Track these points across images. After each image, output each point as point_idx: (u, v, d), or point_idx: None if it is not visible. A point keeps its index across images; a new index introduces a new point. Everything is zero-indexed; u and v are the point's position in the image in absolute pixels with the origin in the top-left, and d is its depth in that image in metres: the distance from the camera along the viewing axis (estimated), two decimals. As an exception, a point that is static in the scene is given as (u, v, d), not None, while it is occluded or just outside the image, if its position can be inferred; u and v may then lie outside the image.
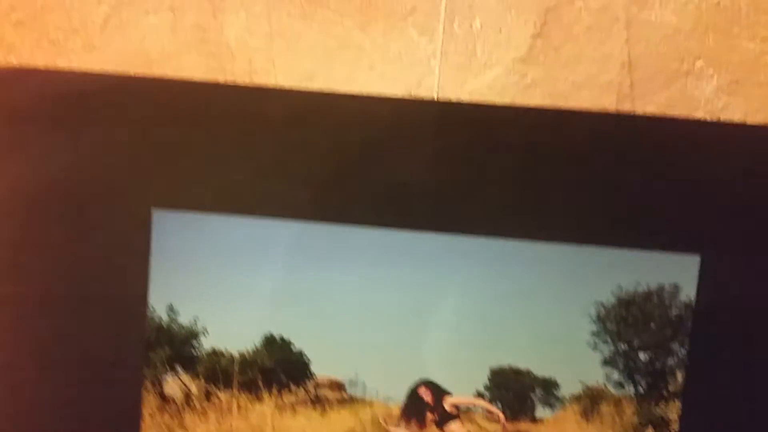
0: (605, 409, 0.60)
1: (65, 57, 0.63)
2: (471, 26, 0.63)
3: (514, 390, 0.60)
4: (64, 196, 0.61)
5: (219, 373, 0.61)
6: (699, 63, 0.63)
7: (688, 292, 0.59)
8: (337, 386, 0.61)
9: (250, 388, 0.61)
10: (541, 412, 0.61)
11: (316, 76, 0.64)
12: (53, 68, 0.63)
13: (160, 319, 0.61)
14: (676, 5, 0.63)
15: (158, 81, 0.60)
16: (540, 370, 0.60)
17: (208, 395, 0.62)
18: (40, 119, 0.60)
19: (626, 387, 0.60)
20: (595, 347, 0.60)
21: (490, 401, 0.61)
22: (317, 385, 0.61)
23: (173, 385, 0.62)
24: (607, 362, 0.60)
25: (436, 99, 0.62)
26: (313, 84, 0.64)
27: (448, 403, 0.61)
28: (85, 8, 0.63)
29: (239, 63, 0.63)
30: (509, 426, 0.61)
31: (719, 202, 0.59)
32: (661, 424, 0.60)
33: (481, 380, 0.60)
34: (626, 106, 0.64)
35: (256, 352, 0.61)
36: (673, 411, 0.60)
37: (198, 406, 0.62)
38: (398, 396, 0.61)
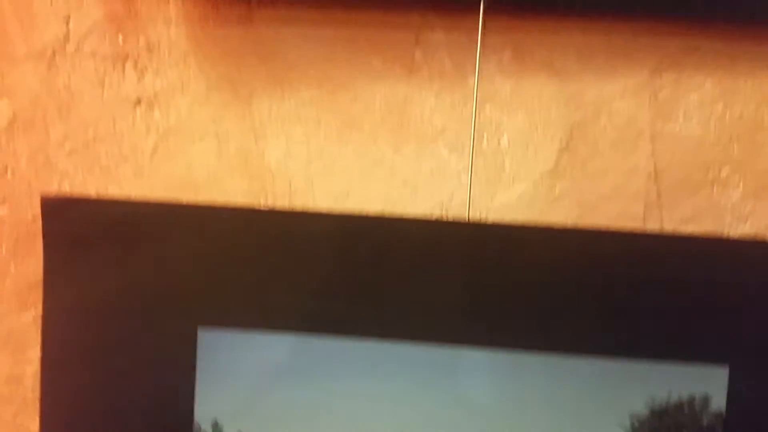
0: None
1: (116, 183, 0.67)
2: (499, 143, 0.66)
3: (552, 503, 0.61)
4: (113, 317, 0.63)
5: (263, 487, 0.63)
6: (725, 171, 0.65)
7: (719, 402, 0.60)
8: (378, 500, 0.63)
9: (293, 502, 0.63)
10: None
11: (353, 194, 0.67)
12: (104, 196, 0.67)
13: (206, 434, 0.63)
14: (700, 118, 0.65)
15: (203, 207, 0.63)
16: (577, 483, 0.61)
17: None
18: (90, 244, 0.63)
19: (663, 498, 0.61)
20: (631, 458, 0.61)
21: None
22: (359, 500, 0.63)
23: (219, 499, 0.64)
24: (643, 472, 0.61)
25: (467, 213, 0.65)
26: (349, 201, 0.67)
27: None
28: (134, 137, 0.67)
29: (279, 184, 0.67)
30: None
31: (746, 314, 0.60)
32: None
33: (519, 493, 0.62)
34: (654, 215, 0.65)
35: (299, 466, 0.63)
36: None
37: None
38: None
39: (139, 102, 0.67)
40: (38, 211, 0.63)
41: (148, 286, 0.63)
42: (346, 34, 0.65)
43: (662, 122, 0.65)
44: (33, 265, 0.68)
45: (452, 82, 0.65)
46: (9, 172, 0.68)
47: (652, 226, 0.66)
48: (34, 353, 0.69)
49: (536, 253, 0.61)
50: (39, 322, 0.64)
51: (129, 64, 0.66)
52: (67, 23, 0.66)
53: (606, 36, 0.64)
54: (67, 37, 0.66)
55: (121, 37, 0.66)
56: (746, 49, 0.64)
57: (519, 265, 0.61)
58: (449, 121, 0.66)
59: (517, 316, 0.61)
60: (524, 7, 0.64)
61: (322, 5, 0.65)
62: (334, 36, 0.65)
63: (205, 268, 0.63)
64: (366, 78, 0.66)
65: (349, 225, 0.62)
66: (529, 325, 0.61)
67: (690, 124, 0.65)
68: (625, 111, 0.65)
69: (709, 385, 0.60)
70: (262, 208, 0.66)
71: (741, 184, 0.65)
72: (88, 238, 0.63)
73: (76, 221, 0.63)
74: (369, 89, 0.66)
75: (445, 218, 0.66)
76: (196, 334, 0.63)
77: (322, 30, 0.65)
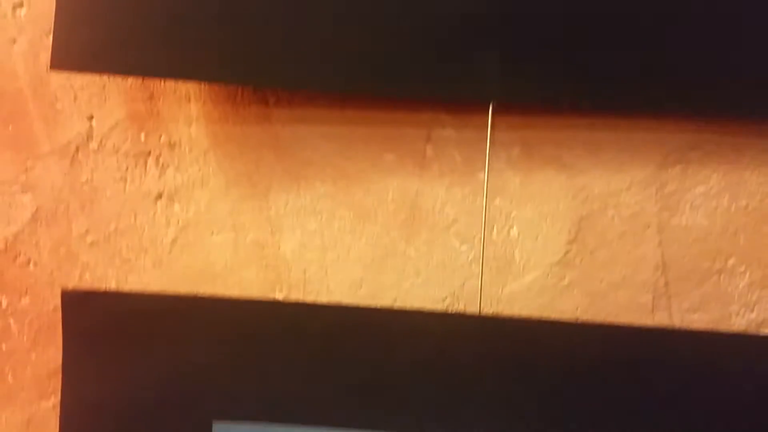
0: None
1: (136, 274, 0.69)
2: (509, 234, 0.67)
3: None
4: (130, 408, 0.65)
5: None
6: (731, 261, 0.66)
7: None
8: None
9: None
10: None
11: (366, 284, 0.68)
12: (123, 288, 0.69)
13: None
14: (707, 209, 0.66)
15: (218, 300, 0.65)
16: None
17: None
18: (109, 336, 0.65)
19: None
20: None
21: None
22: None
23: None
24: None
25: (479, 302, 0.66)
26: (362, 290, 0.68)
27: None
28: (154, 230, 0.69)
29: (294, 273, 0.68)
30: None
31: (755, 407, 0.61)
32: None
33: None
34: (662, 304, 0.67)
35: None
36: None
37: None
38: None
39: (160, 196, 0.69)
40: (59, 302, 0.65)
41: (165, 378, 0.65)
42: (360, 132, 0.67)
43: (669, 214, 0.66)
44: (53, 353, 0.70)
45: (462, 176, 0.67)
46: (31, 263, 0.70)
47: (661, 314, 0.67)
48: (53, 440, 0.70)
49: (546, 347, 0.63)
50: (58, 409, 0.66)
51: (151, 161, 0.69)
52: (90, 121, 0.69)
53: (613, 131, 0.66)
54: (90, 135, 0.69)
55: (143, 134, 0.68)
56: (751, 143, 0.65)
57: (529, 359, 0.63)
58: (460, 213, 0.67)
59: (529, 410, 0.62)
60: (532, 105, 0.66)
61: (337, 104, 0.67)
62: (349, 133, 0.67)
63: (221, 362, 0.64)
64: (379, 173, 0.67)
65: (361, 318, 0.64)
66: (542, 418, 0.62)
67: (696, 215, 0.66)
68: (632, 204, 0.66)
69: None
70: (275, 301, 0.67)
71: (747, 274, 0.66)
72: (106, 330, 0.65)
73: (95, 314, 0.65)
74: (382, 183, 0.68)
75: (456, 307, 0.68)
76: (210, 428, 0.64)
77: (337, 128, 0.67)
